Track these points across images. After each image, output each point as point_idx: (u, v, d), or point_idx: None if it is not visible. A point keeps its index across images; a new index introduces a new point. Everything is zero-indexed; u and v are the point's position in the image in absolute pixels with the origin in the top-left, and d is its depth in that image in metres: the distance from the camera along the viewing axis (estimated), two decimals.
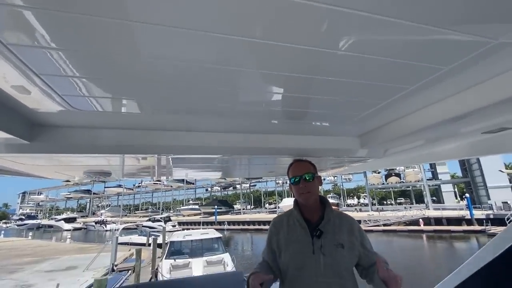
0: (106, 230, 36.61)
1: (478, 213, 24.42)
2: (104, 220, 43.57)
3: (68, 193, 75.62)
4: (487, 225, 21.86)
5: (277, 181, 56.43)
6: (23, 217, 60.95)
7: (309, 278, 1.24)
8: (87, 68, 0.83)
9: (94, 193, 74.13)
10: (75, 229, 42.31)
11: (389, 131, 1.48)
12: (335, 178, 57.49)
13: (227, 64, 0.83)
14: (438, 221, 25.28)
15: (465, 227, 23.24)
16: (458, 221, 24.32)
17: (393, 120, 1.44)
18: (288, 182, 1.52)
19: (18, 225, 48.38)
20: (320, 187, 1.51)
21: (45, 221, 50.60)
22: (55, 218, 51.44)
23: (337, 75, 0.93)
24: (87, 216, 66.15)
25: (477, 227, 22.41)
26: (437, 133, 1.39)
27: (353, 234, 1.31)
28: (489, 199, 29.04)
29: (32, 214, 69.86)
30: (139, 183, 69.89)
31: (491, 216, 23.11)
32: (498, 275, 1.43)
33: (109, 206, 70.77)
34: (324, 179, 57.49)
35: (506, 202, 24.89)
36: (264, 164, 2.20)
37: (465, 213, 24.56)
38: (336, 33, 0.71)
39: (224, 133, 1.54)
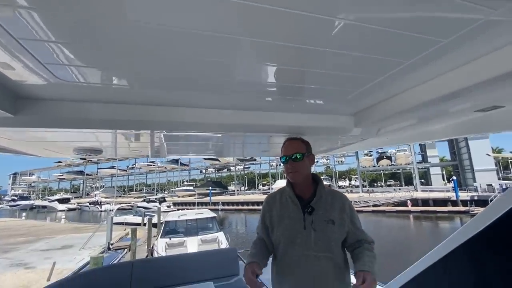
0: (101, 211, 36.92)
1: (464, 195, 25.42)
2: (99, 200, 43.77)
3: (61, 174, 75.23)
4: (471, 206, 22.85)
5: (271, 164, 57.11)
6: (16, 197, 60.68)
7: (300, 252, 1.29)
8: (66, 32, 0.77)
9: (87, 174, 73.91)
10: (69, 209, 42.51)
11: (383, 110, 1.48)
12: (328, 160, 58.41)
13: (219, 30, 0.79)
14: (425, 202, 26.28)
15: (450, 208, 24.27)
16: (444, 202, 25.33)
17: (388, 98, 1.43)
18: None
19: (10, 206, 48.29)
20: (312, 166, 1.53)
21: (38, 202, 50.57)
22: (48, 199, 51.43)
23: (333, 46, 0.89)
24: (81, 197, 66.33)
25: (461, 208, 23.43)
26: (430, 111, 1.39)
27: (344, 211, 1.35)
28: (474, 181, 30.15)
29: (25, 195, 69.56)
30: (133, 165, 69.86)
31: (476, 198, 24.09)
32: (477, 250, 1.50)
33: (103, 187, 70.92)
34: (317, 161, 58.43)
35: (491, 185, 25.90)
36: (258, 143, 2.19)
37: (451, 195, 25.54)
38: None
39: (217, 109, 1.51)
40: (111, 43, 0.84)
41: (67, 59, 0.91)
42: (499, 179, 30.42)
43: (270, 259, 1.45)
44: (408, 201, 26.61)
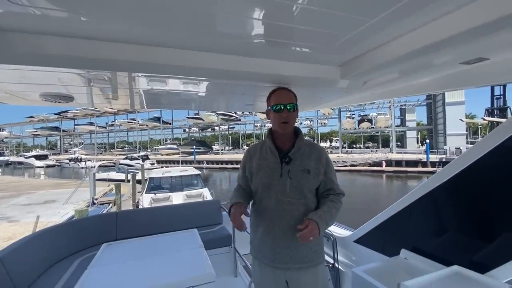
0: (82, 167, 36.41)
1: (433, 157, 27.36)
2: (79, 157, 42.86)
3: (35, 130, 71.57)
4: (438, 167, 24.78)
5: (256, 124, 57.21)
6: None
7: (275, 197, 1.37)
8: None
9: (63, 131, 70.79)
10: (48, 166, 41.53)
11: (370, 60, 1.44)
12: (311, 122, 59.33)
13: None
14: (398, 163, 28.14)
15: (420, 169, 26.24)
16: (415, 163, 27.26)
17: (375, 48, 1.38)
18: (267, 112, 1.50)
19: None
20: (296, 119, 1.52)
21: (13, 158, 48.85)
22: (24, 155, 49.62)
23: None
24: (59, 153, 64.47)
25: (429, 169, 25.39)
26: (417, 62, 1.37)
27: (320, 162, 1.41)
28: (445, 145, 32.23)
29: None
30: (112, 121, 67.33)
31: (444, 160, 26.03)
32: (437, 200, 1.67)
33: (82, 144, 68.92)
34: (301, 123, 59.28)
35: (459, 148, 27.88)
36: (242, 94, 2.12)
37: (423, 157, 27.41)
38: None
39: (201, 51, 1.39)
40: None
41: None
42: (467, 143, 32.65)
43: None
44: (383, 161, 28.34)
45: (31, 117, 68.43)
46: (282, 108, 1.36)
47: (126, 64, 1.33)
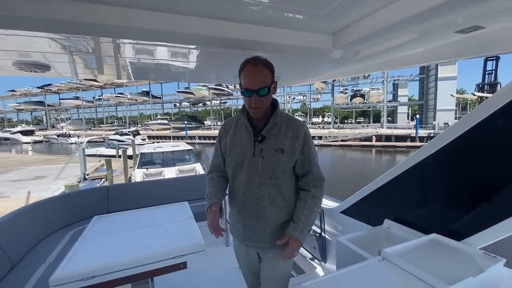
0: (71, 143, 35.81)
1: (422, 132, 27.98)
2: (67, 133, 41.96)
3: (18, 105, 68.80)
4: (426, 142, 25.46)
5: None
6: None
7: (246, 177, 1.32)
8: None
9: (49, 105, 68.28)
10: (36, 141, 40.67)
11: (362, 29, 1.37)
12: (304, 97, 58.83)
13: None
14: (388, 138, 28.72)
15: (408, 143, 26.91)
16: (404, 138, 27.87)
17: (367, 15, 1.31)
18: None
19: None
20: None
21: None
22: (9, 131, 48.20)
23: None
24: (46, 129, 62.86)
25: (418, 143, 26.07)
26: (410, 30, 1.31)
27: (297, 140, 1.30)
28: (434, 120, 32.82)
29: None
30: (99, 96, 65.11)
31: (432, 134, 26.69)
32: (423, 172, 1.71)
33: (69, 119, 67.07)
34: (294, 98, 58.68)
35: (447, 123, 28.49)
36: (230, 64, 2.03)
37: (412, 132, 27.99)
38: None
39: (185, 15, 1.28)
40: None
41: None
42: (455, 118, 33.34)
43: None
44: (373, 137, 28.87)
45: (13, 90, 65.36)
46: (252, 93, 1.20)
47: (110, 28, 1.22)
